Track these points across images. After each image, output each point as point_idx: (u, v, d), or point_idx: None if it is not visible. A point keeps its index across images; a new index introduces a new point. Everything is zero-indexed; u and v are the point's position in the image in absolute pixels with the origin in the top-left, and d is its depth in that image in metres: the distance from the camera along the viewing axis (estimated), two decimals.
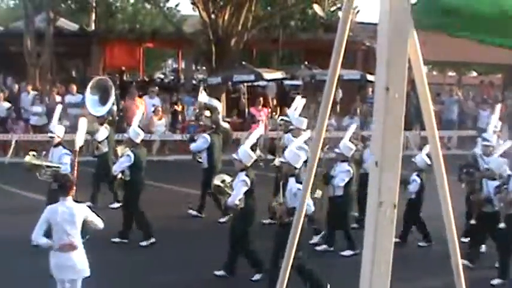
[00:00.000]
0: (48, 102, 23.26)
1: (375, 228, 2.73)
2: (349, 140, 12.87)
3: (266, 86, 27.90)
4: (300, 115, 14.19)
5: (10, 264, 10.97)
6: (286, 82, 28.58)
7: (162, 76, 45.37)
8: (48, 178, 12.16)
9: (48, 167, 12.29)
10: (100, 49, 31.64)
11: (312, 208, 10.01)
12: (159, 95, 24.94)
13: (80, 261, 8.04)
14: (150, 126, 22.13)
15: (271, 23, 29.20)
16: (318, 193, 12.38)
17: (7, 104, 22.88)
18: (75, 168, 11.60)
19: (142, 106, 22.77)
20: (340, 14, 27.80)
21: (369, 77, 24.96)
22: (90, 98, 15.43)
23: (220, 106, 16.64)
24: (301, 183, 9.70)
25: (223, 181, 11.27)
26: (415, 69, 2.78)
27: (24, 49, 26.78)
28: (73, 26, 32.51)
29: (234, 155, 11.12)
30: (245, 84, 25.99)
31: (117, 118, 17.49)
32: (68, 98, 23.63)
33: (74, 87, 24.04)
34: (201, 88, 17.59)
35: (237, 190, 10.50)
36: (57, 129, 12.92)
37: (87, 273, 8.12)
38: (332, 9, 36.02)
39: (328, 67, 2.90)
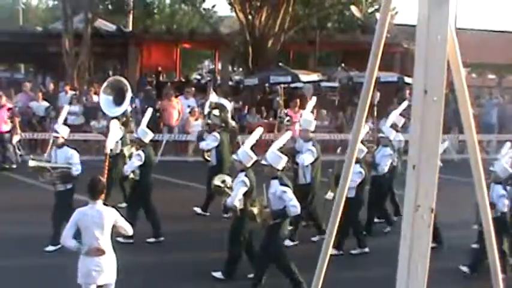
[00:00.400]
0: (86, 102, 23.50)
1: (411, 233, 2.69)
2: (363, 142, 12.81)
3: (302, 87, 27.84)
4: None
5: (44, 261, 11.08)
6: (323, 84, 28.49)
7: (198, 77, 45.51)
8: (55, 180, 12.00)
9: (54, 168, 12.01)
10: (137, 49, 31.90)
11: (298, 210, 9.72)
12: (195, 96, 25.03)
13: (108, 267, 7.85)
14: (187, 127, 22.22)
15: (308, 24, 29.16)
16: (330, 195, 12.60)
17: (46, 104, 23.15)
18: (106, 172, 11.64)
19: (178, 106, 22.90)
20: (377, 15, 27.69)
21: (407, 80, 24.75)
22: (104, 98, 15.33)
23: (229, 105, 16.62)
24: (284, 185, 9.76)
25: (223, 181, 11.15)
26: (454, 71, 2.74)
27: (62, 49, 27.10)
28: (111, 27, 32.81)
29: (234, 156, 11.10)
30: (281, 85, 25.95)
31: (130, 119, 17.43)
32: None
33: None
34: (211, 89, 17.66)
35: (236, 191, 10.34)
36: (62, 130, 12.57)
37: (114, 279, 7.97)
38: (370, 10, 35.87)
39: (365, 69, 2.86)
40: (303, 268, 10.33)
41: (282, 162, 10.05)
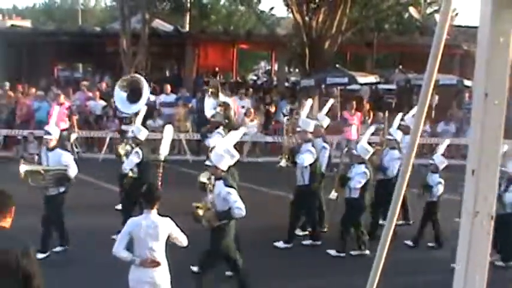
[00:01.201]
0: None
1: (469, 240, 2.61)
2: (370, 144, 12.88)
3: (359, 89, 27.64)
4: (307, 117, 13.73)
5: (100, 260, 11.06)
6: (380, 86, 28.25)
7: (255, 78, 45.61)
8: (48, 183, 11.53)
9: (46, 171, 11.52)
10: (194, 50, 32.10)
11: (243, 212, 9.36)
12: (251, 97, 25.08)
13: (161, 279, 7.65)
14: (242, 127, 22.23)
15: (365, 25, 28.92)
16: (333, 194, 12.70)
17: (103, 103, 23.48)
18: (161, 179, 11.65)
19: (234, 107, 22.95)
20: (437, 16, 27.29)
21: (466, 82, 24.35)
22: (119, 95, 15.40)
23: (232, 103, 16.57)
24: (229, 186, 9.54)
25: (209, 178, 11.02)
26: None
27: (120, 49, 27.44)
28: (168, 27, 33.08)
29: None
30: (338, 87, 25.80)
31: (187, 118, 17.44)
32: (162, 98, 24.12)
33: (168, 87, 24.50)
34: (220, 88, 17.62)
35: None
36: (54, 131, 12.06)
37: None
38: (428, 11, 35.42)
39: (423, 71, 2.79)
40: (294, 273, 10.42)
41: (226, 162, 9.82)
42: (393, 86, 28.19)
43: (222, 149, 10.07)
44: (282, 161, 13.57)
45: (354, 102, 23.23)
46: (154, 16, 30.13)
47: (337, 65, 27.01)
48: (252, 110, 22.94)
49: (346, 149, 15.24)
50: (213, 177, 10.62)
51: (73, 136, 20.63)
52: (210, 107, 15.59)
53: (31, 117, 23.13)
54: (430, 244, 12.95)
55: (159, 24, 32.48)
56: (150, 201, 7.67)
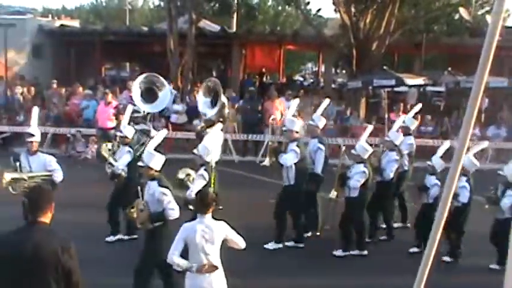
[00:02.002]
0: (189, 101, 23.84)
1: None
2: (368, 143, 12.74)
3: (407, 91, 27.32)
4: (294, 115, 13.61)
5: None
6: (428, 88, 27.86)
7: (301, 79, 45.51)
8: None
9: (30, 178, 10.75)
10: (241, 50, 32.15)
11: (177, 214, 9.15)
12: (298, 98, 24.97)
13: (219, 283, 7.41)
14: None
15: (414, 26, 28.57)
16: (333, 194, 12.52)
17: None
18: (212, 183, 11.57)
19: (281, 108, 22.91)
20: (488, 17, 26.82)
21: None
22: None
23: (226, 101, 16.45)
24: (163, 186, 9.28)
25: (188, 175, 11.26)
26: None
27: (167, 49, 27.60)
28: (214, 27, 33.18)
29: (195, 151, 11.18)
30: (385, 89, 25.53)
31: (228, 119, 17.43)
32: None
33: None
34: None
35: (195, 184, 10.50)
36: (37, 132, 11.38)
37: None
38: (479, 12, 34.87)
39: (473, 74, 2.68)
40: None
41: (156, 161, 9.56)
42: (442, 89, 27.78)
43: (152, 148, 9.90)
44: (266, 160, 13.58)
45: (402, 105, 22.94)
46: (202, 16, 30.24)
47: (384, 67, 26.74)
48: (298, 112, 22.82)
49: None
50: (192, 172, 11.03)
51: (152, 134, 20.89)
52: (206, 105, 15.54)
53: (79, 116, 23.45)
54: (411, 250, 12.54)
55: (206, 24, 32.60)
56: (204, 206, 7.45)
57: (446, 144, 13.34)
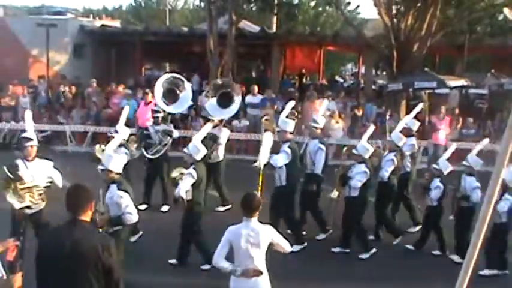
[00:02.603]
0: None
1: None
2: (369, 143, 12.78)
3: (448, 94, 26.92)
4: (287, 117, 13.54)
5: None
6: (471, 91, 27.43)
7: (341, 80, 45.26)
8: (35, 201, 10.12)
9: (31, 188, 10.04)
10: (280, 51, 32.05)
11: (134, 218, 9.25)
12: (338, 99, 24.80)
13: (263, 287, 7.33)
14: (327, 130, 22.07)
15: (457, 27, 28.12)
16: (335, 193, 12.70)
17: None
18: (260, 188, 11.52)
19: (321, 109, 22.76)
20: None
21: None
22: (159, 93, 15.57)
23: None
24: (122, 190, 9.27)
25: (181, 173, 11.38)
26: None
27: (206, 49, 27.62)
28: (254, 28, 33.15)
29: (185, 149, 11.52)
30: (426, 91, 25.17)
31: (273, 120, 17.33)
32: (248, 99, 24.15)
33: (256, 88, 24.46)
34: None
35: (183, 183, 10.78)
36: (32, 135, 10.62)
37: None
38: None
39: None
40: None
41: (116, 164, 9.55)
42: (485, 91, 27.34)
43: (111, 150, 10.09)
44: (258, 161, 13.61)
45: (443, 107, 22.60)
46: (241, 17, 30.22)
47: (426, 68, 26.40)
48: (337, 113, 22.66)
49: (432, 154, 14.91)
50: (185, 171, 11.15)
51: (174, 135, 20.96)
52: (215, 108, 15.54)
53: (118, 115, 23.57)
54: (434, 252, 12.55)
55: (245, 25, 32.60)
56: (250, 209, 7.30)
57: (453, 146, 13.63)
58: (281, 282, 8.26)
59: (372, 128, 13.71)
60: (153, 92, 21.69)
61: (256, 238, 7.19)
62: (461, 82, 24.61)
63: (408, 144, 13.87)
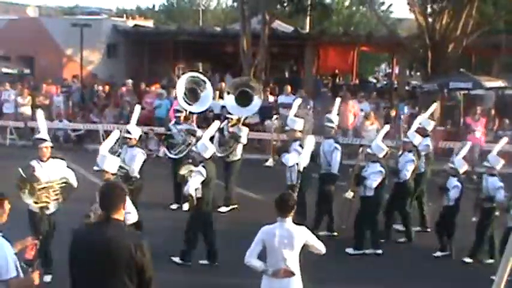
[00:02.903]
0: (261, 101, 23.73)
1: None
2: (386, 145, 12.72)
3: (484, 94, 26.52)
4: (296, 115, 13.59)
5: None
6: (507, 92, 26.99)
7: (374, 80, 44.94)
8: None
9: (46, 188, 9.91)
10: (313, 51, 31.89)
11: (134, 218, 9.05)
12: (371, 100, 24.60)
13: None
14: (361, 131, 21.92)
15: (493, 27, 27.69)
16: (349, 193, 12.58)
17: (222, 102, 23.60)
18: (298, 188, 11.43)
19: (354, 110, 22.64)
20: None
21: None
22: (180, 92, 15.53)
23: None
24: None
25: (190, 171, 11.44)
26: None
27: (239, 49, 27.58)
28: (287, 28, 33.05)
29: (194, 148, 11.91)
30: (461, 92, 24.82)
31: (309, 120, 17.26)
32: (281, 98, 24.04)
33: (289, 88, 24.35)
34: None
35: (192, 180, 10.86)
36: (48, 137, 10.55)
37: None
38: None
39: None
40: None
41: (110, 164, 9.67)
42: None
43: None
44: (269, 160, 13.92)
45: (478, 108, 22.27)
46: (275, 17, 30.10)
47: (461, 69, 26.04)
48: (372, 114, 22.46)
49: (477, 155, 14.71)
50: (193, 168, 11.30)
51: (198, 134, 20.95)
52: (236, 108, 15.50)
53: (152, 114, 23.67)
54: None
55: (278, 25, 32.49)
56: (284, 210, 7.24)
57: (468, 144, 13.82)
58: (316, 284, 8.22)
59: (386, 128, 13.68)
60: None
61: (290, 239, 7.13)
62: (498, 83, 24.25)
63: (423, 144, 13.70)
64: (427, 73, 25.06)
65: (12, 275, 5.73)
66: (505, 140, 13.17)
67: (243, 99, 15.37)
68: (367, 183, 11.98)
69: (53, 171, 10.14)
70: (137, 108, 13.60)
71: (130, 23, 34.65)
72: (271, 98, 23.67)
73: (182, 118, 15.50)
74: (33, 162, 10.14)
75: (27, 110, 24.73)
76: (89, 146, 22.95)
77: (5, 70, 29.02)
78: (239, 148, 15.20)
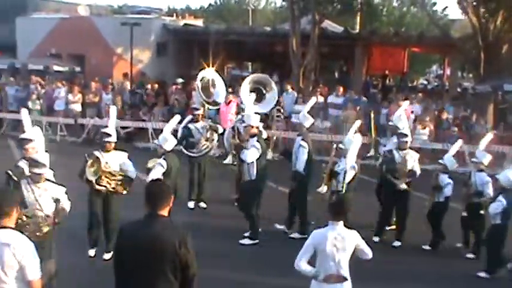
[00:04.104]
0: None
1: None
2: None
3: None
4: (308, 113, 13.72)
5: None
6: None
7: (425, 82, 44.39)
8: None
9: (111, 174, 10.78)
10: (364, 51, 31.57)
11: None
12: (420, 101, 24.24)
13: None
14: (412, 134, 21.56)
15: None
16: (322, 188, 12.51)
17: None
18: (345, 189, 11.32)
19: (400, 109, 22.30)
20: None
21: None
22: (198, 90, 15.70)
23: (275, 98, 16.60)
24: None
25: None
26: None
27: (289, 49, 27.49)
28: (337, 28, 32.89)
29: (155, 141, 12.42)
30: None
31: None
32: (331, 99, 23.87)
33: (341, 89, 24.13)
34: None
35: (153, 171, 11.23)
36: (113, 133, 11.19)
37: None
38: None
39: None
40: None
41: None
42: None
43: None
44: (228, 158, 14.26)
45: None
46: (324, 17, 29.91)
47: None
48: (428, 118, 22.00)
49: None
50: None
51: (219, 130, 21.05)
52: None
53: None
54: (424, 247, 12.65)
55: (328, 25, 32.32)
56: (337, 213, 7.17)
57: (459, 142, 13.71)
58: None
59: (490, 136, 13.54)
60: (233, 92, 21.73)
61: (343, 242, 7.05)
62: None
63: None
64: (479, 75, 24.61)
65: (37, 277, 5.74)
66: (490, 135, 13.35)
67: (257, 96, 15.42)
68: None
69: (114, 162, 10.90)
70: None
71: (180, 22, 34.81)
72: (320, 99, 23.47)
73: (200, 117, 15.27)
74: (96, 152, 10.86)
75: (77, 107, 25.07)
76: (138, 143, 23.06)
77: (56, 68, 29.44)
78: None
